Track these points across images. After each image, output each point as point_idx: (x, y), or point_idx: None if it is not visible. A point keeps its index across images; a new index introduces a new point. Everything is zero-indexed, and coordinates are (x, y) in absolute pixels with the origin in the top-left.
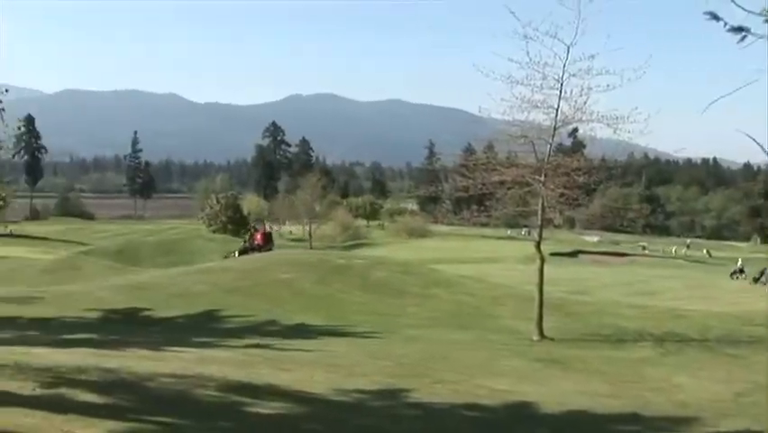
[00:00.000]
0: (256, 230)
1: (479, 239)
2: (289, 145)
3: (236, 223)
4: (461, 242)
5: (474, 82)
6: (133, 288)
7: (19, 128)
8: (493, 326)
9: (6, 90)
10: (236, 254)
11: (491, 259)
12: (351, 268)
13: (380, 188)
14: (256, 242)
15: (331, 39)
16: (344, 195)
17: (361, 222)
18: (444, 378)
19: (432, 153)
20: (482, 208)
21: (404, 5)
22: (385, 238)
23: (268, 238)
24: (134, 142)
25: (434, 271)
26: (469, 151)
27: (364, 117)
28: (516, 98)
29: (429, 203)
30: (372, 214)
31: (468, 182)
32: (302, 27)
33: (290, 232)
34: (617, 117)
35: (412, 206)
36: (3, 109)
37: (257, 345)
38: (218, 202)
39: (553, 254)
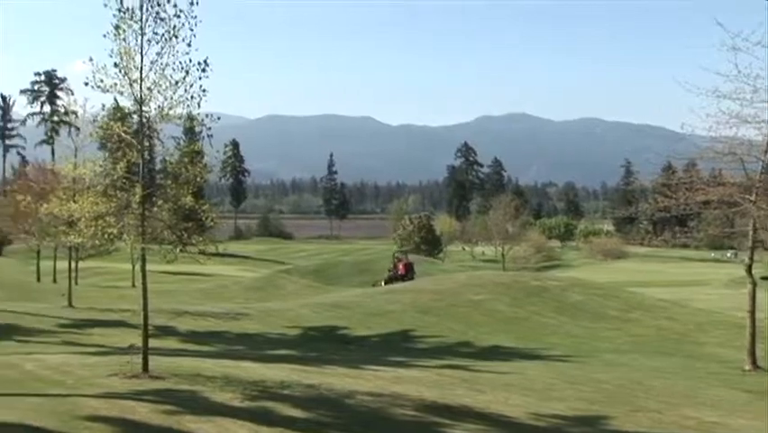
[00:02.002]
0: (399, 260)
1: (679, 261)
2: (481, 166)
3: (429, 243)
4: (660, 264)
5: (675, 97)
6: (331, 306)
7: (225, 153)
8: (698, 353)
9: (218, 118)
10: (383, 283)
11: (694, 282)
12: (545, 290)
13: (574, 209)
14: (399, 272)
15: (521, 58)
16: (537, 216)
17: (555, 243)
18: (646, 406)
19: (629, 172)
20: (684, 229)
21: (596, 21)
22: (579, 260)
23: (409, 268)
24: (330, 164)
25: (634, 295)
26: (669, 169)
27: (557, 136)
28: (723, 113)
29: (626, 224)
30: (566, 235)
31: (669, 202)
32: (490, 48)
33: (482, 253)
34: None
35: (607, 227)
36: (211, 135)
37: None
38: (411, 223)
39: (765, 278)
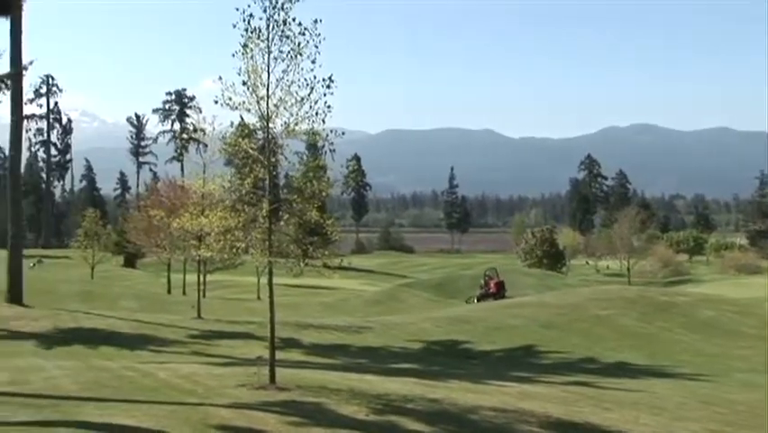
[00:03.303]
0: (490, 278)
1: None
2: (605, 178)
3: (552, 257)
4: None
5: None
6: (453, 320)
7: (347, 167)
8: None
9: (342, 133)
10: (476, 300)
11: None
12: (674, 305)
13: (704, 222)
14: (490, 289)
15: (647, 68)
16: (664, 229)
17: (683, 257)
18: None
19: (763, 184)
20: None
21: (726, 27)
22: (710, 275)
23: (501, 286)
24: (451, 177)
25: None
26: None
27: (686, 148)
28: None
29: (761, 238)
30: (696, 249)
31: None
32: (614, 59)
33: (607, 267)
34: None
35: (741, 240)
36: (334, 150)
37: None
38: (533, 236)
39: None
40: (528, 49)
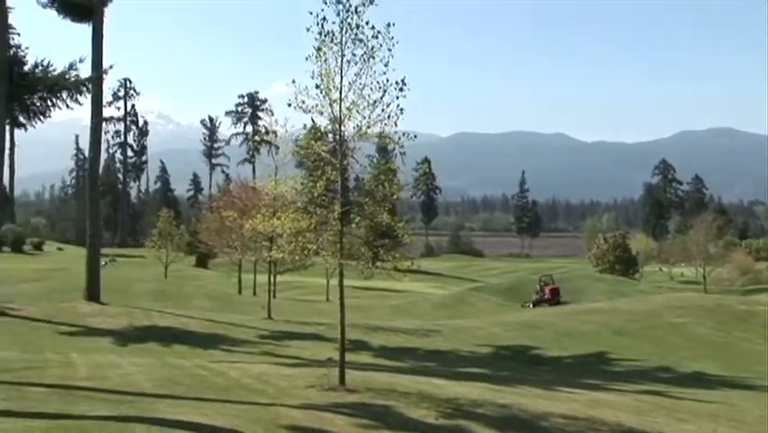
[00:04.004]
0: (546, 284)
1: None
2: (681, 183)
3: (624, 263)
4: None
5: None
6: (523, 325)
7: (417, 170)
8: None
9: (415, 136)
10: (531, 305)
11: None
12: (754, 315)
13: None
14: (545, 295)
15: (727, 71)
16: (743, 236)
17: (762, 265)
18: None
19: None
20: None
21: None
22: None
23: (555, 292)
24: (522, 181)
25: None
26: None
27: (766, 152)
28: None
29: None
30: None
31: None
32: (695, 61)
33: (681, 274)
34: None
35: None
36: (404, 153)
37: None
38: (605, 241)
39: None
40: (597, 51)
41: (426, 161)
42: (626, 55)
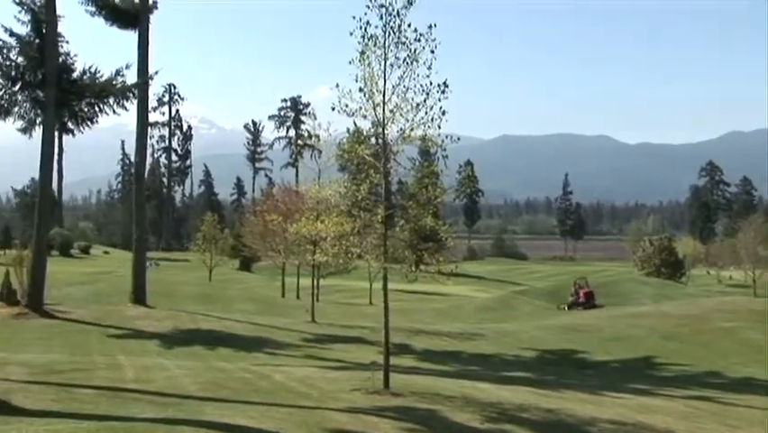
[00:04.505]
0: (580, 287)
1: None
2: (728, 185)
3: (670, 266)
4: None
5: None
6: (567, 329)
7: (460, 173)
8: None
9: (458, 139)
10: (566, 308)
11: None
12: None
13: None
14: (579, 298)
15: None
16: None
17: None
18: None
19: None
20: None
21: None
22: None
23: (590, 296)
24: (565, 184)
25: None
26: None
27: None
28: None
29: None
30: None
31: None
32: (741, 62)
33: (729, 277)
34: None
35: None
36: (447, 156)
37: None
38: (651, 244)
39: None
40: (642, 53)
41: (469, 163)
42: (668, 55)
